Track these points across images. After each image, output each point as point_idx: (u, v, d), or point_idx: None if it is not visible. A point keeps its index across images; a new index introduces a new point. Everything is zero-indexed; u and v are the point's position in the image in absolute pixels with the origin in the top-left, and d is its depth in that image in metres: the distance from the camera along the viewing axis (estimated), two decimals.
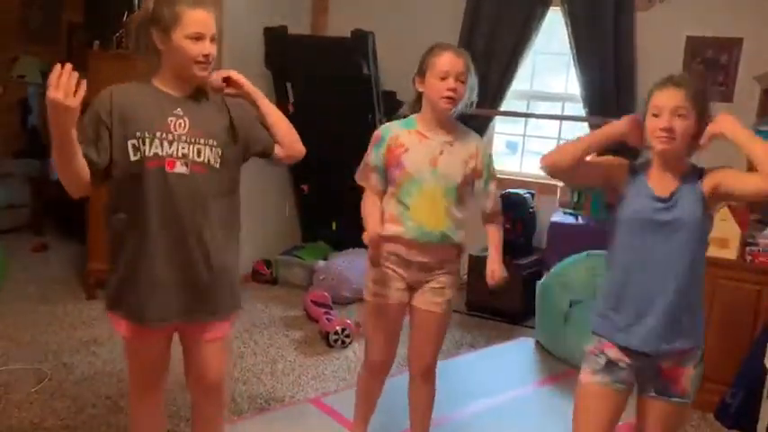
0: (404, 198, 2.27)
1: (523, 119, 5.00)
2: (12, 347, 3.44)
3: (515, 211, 4.42)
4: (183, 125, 1.90)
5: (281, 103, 4.79)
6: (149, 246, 1.89)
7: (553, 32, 4.64)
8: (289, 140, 2.07)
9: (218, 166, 1.94)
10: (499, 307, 4.35)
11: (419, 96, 2.32)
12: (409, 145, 2.27)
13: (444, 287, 2.35)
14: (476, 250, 4.51)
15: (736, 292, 3.14)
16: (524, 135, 5.02)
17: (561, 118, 4.82)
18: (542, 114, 4.92)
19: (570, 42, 4.42)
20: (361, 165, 2.39)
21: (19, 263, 4.73)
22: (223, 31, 4.22)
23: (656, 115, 1.85)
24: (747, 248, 3.16)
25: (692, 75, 1.97)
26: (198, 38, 1.86)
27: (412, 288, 2.36)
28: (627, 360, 1.92)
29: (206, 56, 1.88)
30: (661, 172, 1.93)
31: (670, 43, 4.27)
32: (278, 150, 2.08)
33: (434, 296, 2.34)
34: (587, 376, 1.97)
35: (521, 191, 4.54)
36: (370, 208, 2.32)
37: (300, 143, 2.10)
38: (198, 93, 1.98)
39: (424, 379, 2.46)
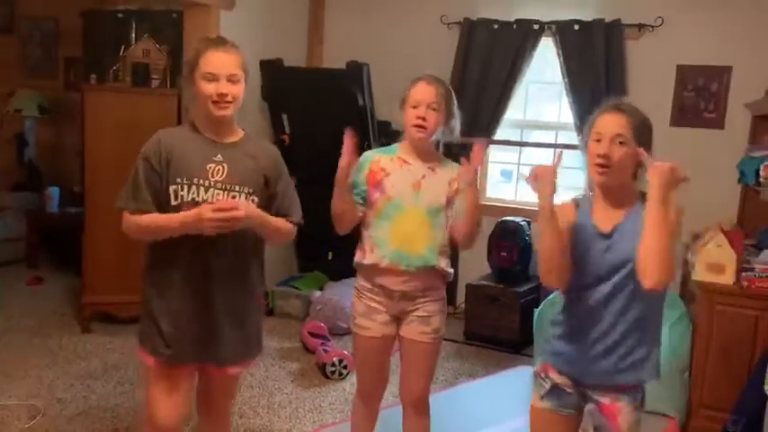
0: (383, 222, 2.27)
1: (518, 147, 5.04)
2: (5, 382, 3.40)
3: (511, 239, 4.43)
4: (221, 172, 1.99)
5: (277, 134, 4.84)
6: (180, 285, 1.98)
7: (545, 62, 4.70)
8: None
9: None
10: (497, 335, 4.33)
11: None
12: (390, 170, 2.29)
13: (431, 315, 2.33)
14: (473, 279, 4.52)
15: (734, 319, 3.13)
16: (519, 163, 5.05)
17: (555, 146, 4.85)
18: (536, 143, 4.96)
19: (562, 72, 4.48)
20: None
21: (14, 296, 4.70)
22: None
23: (597, 141, 1.80)
24: (743, 274, 3.16)
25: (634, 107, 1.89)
26: (212, 78, 1.96)
27: (398, 318, 2.34)
28: (570, 385, 1.91)
29: (220, 95, 1.96)
30: (605, 203, 1.87)
31: (661, 72, 4.33)
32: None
33: (421, 325, 2.32)
34: (535, 401, 1.96)
35: (516, 219, 4.56)
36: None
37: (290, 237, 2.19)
38: (239, 141, 2.07)
39: (417, 410, 2.42)
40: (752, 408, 2.92)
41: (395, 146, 2.37)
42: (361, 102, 4.39)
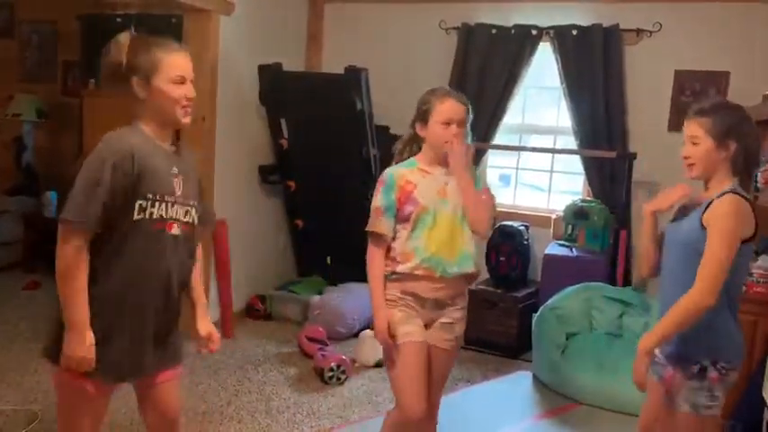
0: (418, 232, 2.28)
1: (516, 152, 5.03)
2: (2, 387, 3.39)
3: (510, 244, 4.42)
4: (179, 186, 1.91)
5: (275, 139, 4.84)
6: (138, 304, 1.89)
7: (544, 67, 4.71)
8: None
9: (196, 223, 1.99)
10: (495, 341, 4.33)
11: (414, 138, 2.38)
12: (417, 181, 2.32)
13: (454, 323, 2.35)
14: (472, 284, 4.51)
15: None
16: (517, 168, 5.06)
17: (553, 151, 4.86)
18: (534, 147, 4.96)
19: (561, 77, 4.49)
20: (371, 213, 2.35)
21: (10, 301, 4.69)
22: (218, 68, 4.28)
23: (683, 145, 2.13)
24: None
25: (717, 104, 2.20)
26: (181, 81, 1.86)
27: (426, 326, 2.34)
28: (660, 356, 2.14)
29: (189, 99, 1.88)
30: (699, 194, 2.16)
31: (659, 77, 4.34)
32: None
33: (444, 332, 2.33)
34: None
35: (515, 223, 4.55)
36: (376, 280, 2.30)
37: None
38: (179, 149, 1.98)
39: (430, 418, 2.40)
40: (750, 413, 2.92)
41: (412, 160, 2.39)
42: (359, 106, 4.39)
